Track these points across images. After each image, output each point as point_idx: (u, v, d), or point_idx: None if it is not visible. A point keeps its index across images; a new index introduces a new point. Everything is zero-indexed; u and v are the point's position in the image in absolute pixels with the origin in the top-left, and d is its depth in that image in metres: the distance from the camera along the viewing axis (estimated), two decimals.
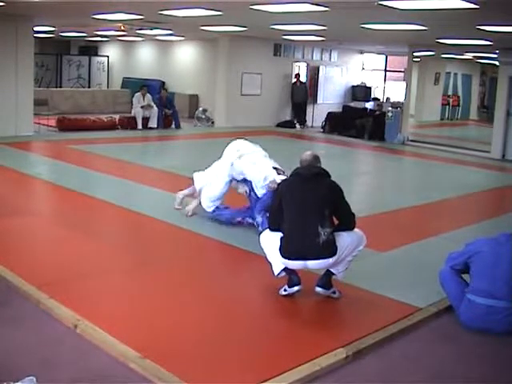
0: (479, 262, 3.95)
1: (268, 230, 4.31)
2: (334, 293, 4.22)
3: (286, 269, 4.15)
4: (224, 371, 3.16)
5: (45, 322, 3.66)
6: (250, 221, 5.86)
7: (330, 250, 4.00)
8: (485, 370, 3.45)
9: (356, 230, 4.23)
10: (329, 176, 4.17)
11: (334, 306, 4.17)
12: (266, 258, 4.31)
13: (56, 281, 4.27)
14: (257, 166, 5.75)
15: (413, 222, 6.95)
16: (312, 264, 4.04)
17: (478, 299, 3.87)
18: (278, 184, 4.36)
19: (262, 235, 4.40)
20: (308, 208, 4.00)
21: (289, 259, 4.05)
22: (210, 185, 6.05)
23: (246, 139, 6.26)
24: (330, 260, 4.02)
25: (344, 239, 4.09)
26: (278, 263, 4.14)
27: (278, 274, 4.19)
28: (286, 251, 4.04)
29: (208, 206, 6.08)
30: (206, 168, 6.29)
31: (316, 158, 4.27)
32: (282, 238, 4.07)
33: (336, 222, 4.16)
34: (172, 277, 4.56)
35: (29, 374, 2.86)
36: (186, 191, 6.46)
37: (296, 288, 4.14)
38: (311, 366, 3.24)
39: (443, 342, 3.77)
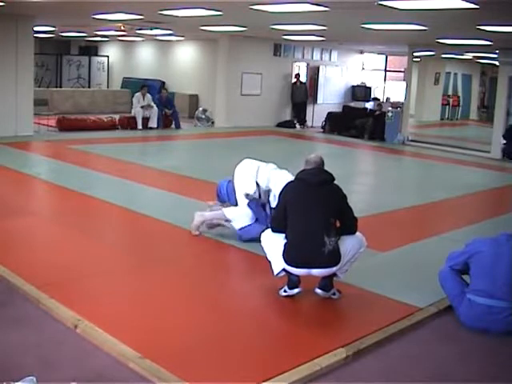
0: (479, 262, 3.95)
1: (270, 230, 4.32)
2: (334, 294, 4.22)
3: (285, 269, 4.15)
4: (224, 371, 3.16)
5: (45, 322, 3.66)
6: None
7: (334, 259, 4.01)
8: (485, 369, 3.46)
9: (356, 233, 4.24)
10: (333, 179, 4.17)
11: (334, 306, 4.17)
12: (266, 257, 4.32)
13: (56, 281, 4.26)
14: (279, 173, 5.38)
15: (413, 221, 6.96)
16: (316, 272, 4.05)
17: (478, 299, 3.87)
18: (284, 187, 4.34)
19: (263, 234, 4.40)
20: (314, 216, 4.00)
21: (293, 267, 4.05)
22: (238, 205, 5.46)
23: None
24: (334, 268, 4.05)
25: (346, 243, 4.10)
26: (278, 263, 4.14)
27: (278, 273, 4.20)
28: (290, 259, 4.03)
29: (244, 222, 5.39)
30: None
31: (322, 161, 4.29)
32: (286, 244, 4.06)
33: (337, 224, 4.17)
34: (172, 277, 4.56)
35: (29, 374, 2.86)
36: (208, 215, 5.63)
37: (296, 290, 4.15)
38: (311, 365, 3.24)
39: (443, 341, 3.77)
